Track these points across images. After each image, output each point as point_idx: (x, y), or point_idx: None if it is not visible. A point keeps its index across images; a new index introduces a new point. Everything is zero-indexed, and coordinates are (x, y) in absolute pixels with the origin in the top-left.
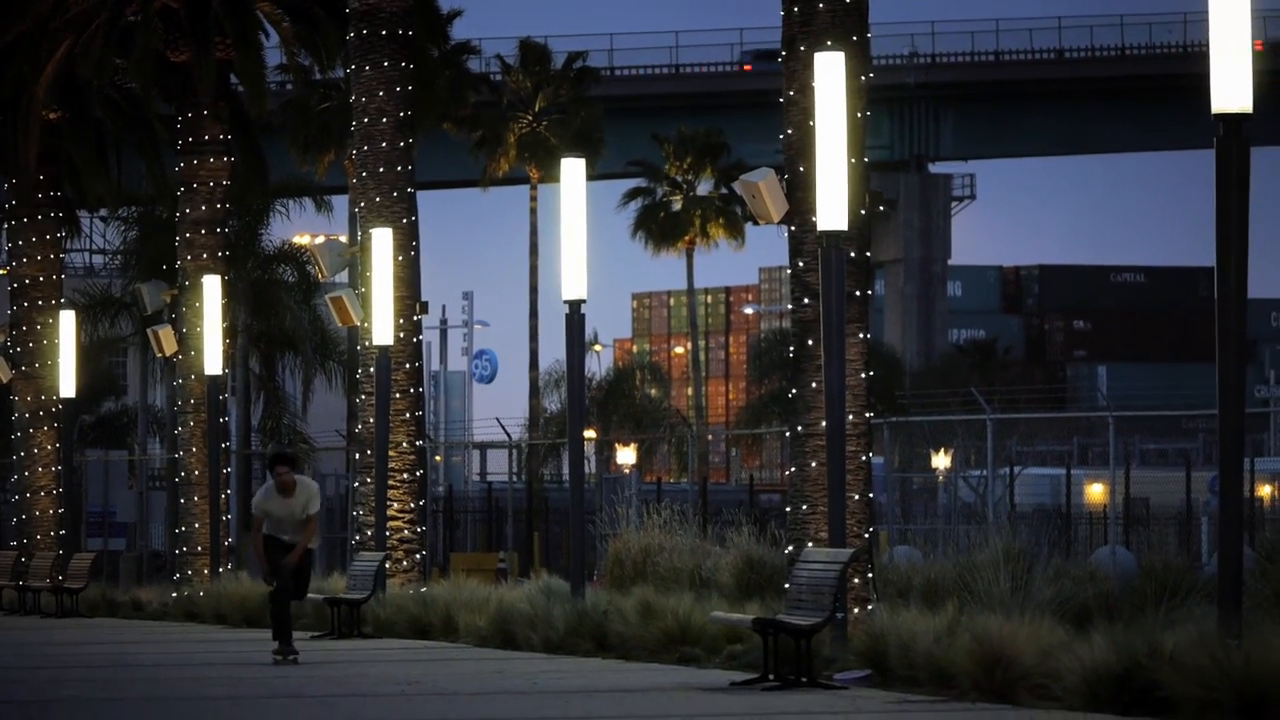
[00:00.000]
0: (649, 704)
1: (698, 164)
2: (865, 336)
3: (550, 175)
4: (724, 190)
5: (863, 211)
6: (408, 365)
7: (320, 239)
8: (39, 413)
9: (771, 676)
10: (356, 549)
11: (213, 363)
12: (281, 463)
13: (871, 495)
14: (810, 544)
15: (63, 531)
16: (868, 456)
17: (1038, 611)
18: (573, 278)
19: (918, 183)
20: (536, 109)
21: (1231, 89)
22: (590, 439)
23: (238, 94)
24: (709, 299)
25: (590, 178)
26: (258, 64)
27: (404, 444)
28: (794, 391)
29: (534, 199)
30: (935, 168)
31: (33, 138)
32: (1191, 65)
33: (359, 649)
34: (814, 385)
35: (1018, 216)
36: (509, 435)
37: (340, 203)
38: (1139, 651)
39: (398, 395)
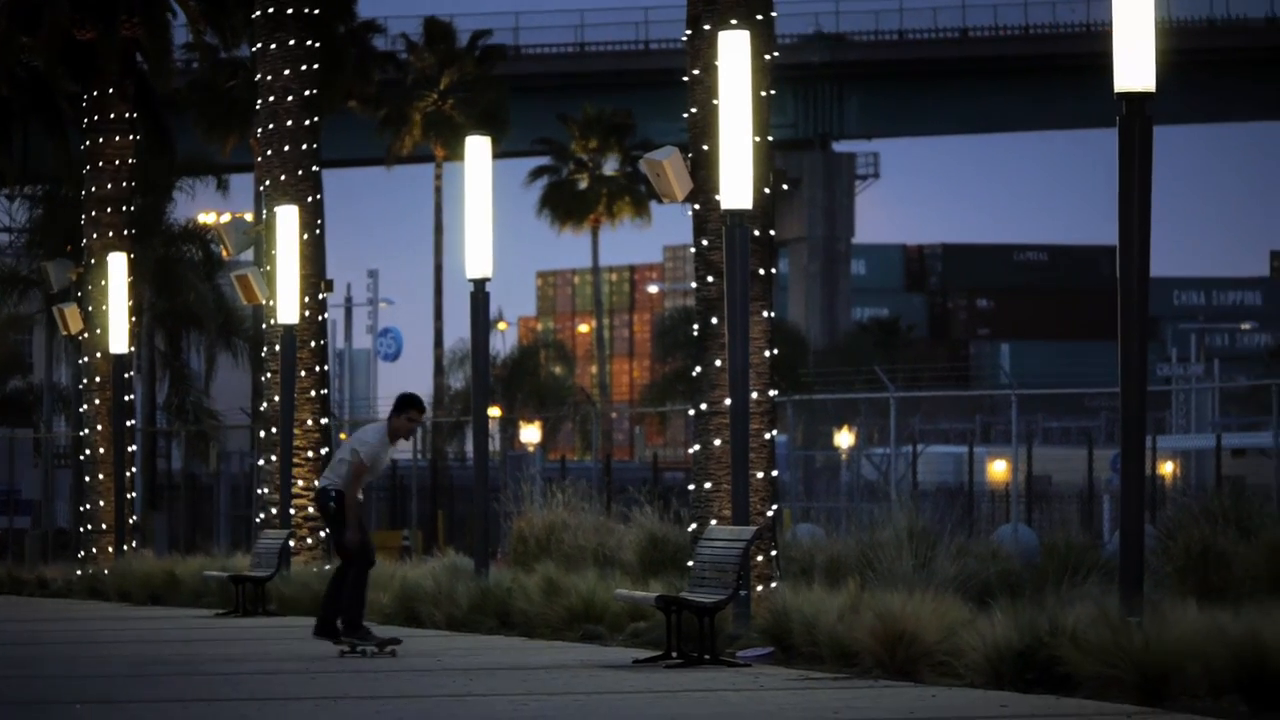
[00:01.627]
0: (553, 681)
1: (603, 143)
2: (769, 315)
3: (455, 154)
4: (629, 169)
5: (767, 190)
6: (312, 343)
7: (226, 217)
8: None
9: (675, 654)
10: (261, 527)
11: (118, 341)
12: (419, 407)
13: (775, 473)
14: (714, 522)
15: None
16: (771, 434)
17: (940, 589)
18: (477, 256)
19: (822, 161)
20: (442, 87)
21: (1135, 68)
22: (494, 417)
23: (144, 72)
24: (614, 277)
25: (495, 156)
26: (164, 42)
27: (309, 422)
28: (698, 370)
29: (439, 177)
30: (839, 146)
31: None
32: (1095, 44)
33: (263, 626)
34: (718, 363)
35: (921, 195)
36: None
37: (246, 181)
38: (1041, 629)
39: (302, 373)
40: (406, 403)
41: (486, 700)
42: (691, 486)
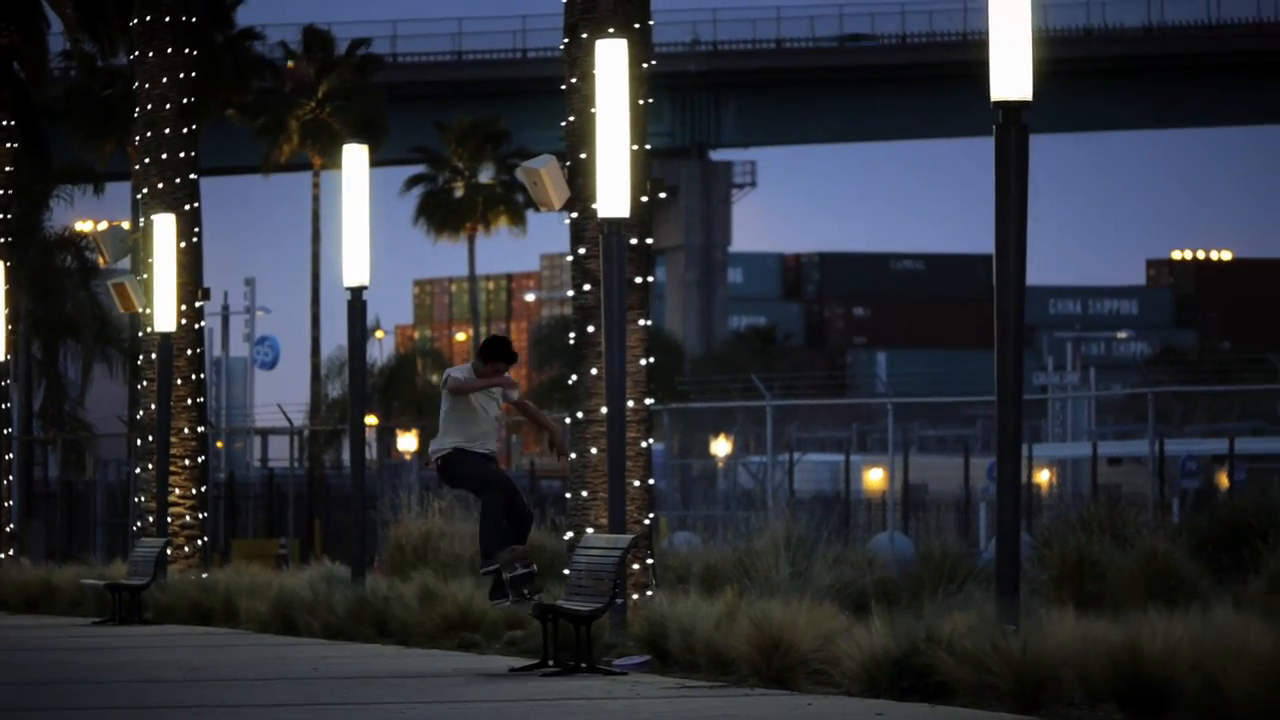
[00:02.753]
0: (430, 690)
1: (480, 151)
2: (646, 323)
3: (333, 162)
4: (506, 177)
5: (644, 198)
6: (189, 351)
7: (103, 225)
8: None
9: (551, 662)
10: (138, 535)
11: None
12: (506, 357)
13: (651, 481)
14: (590, 530)
15: None
16: (648, 443)
17: (817, 597)
18: (354, 264)
19: (699, 170)
20: (320, 96)
21: (1011, 77)
22: (371, 425)
23: (20, 80)
24: (491, 285)
25: (373, 164)
26: (40, 50)
27: (185, 430)
28: (575, 378)
29: (316, 185)
30: (716, 155)
31: None
32: (972, 53)
33: (140, 635)
34: (594, 371)
35: (798, 204)
36: (290, 421)
37: (123, 189)
38: (917, 637)
39: (179, 381)
40: (490, 351)
41: (364, 709)
42: (568, 494)
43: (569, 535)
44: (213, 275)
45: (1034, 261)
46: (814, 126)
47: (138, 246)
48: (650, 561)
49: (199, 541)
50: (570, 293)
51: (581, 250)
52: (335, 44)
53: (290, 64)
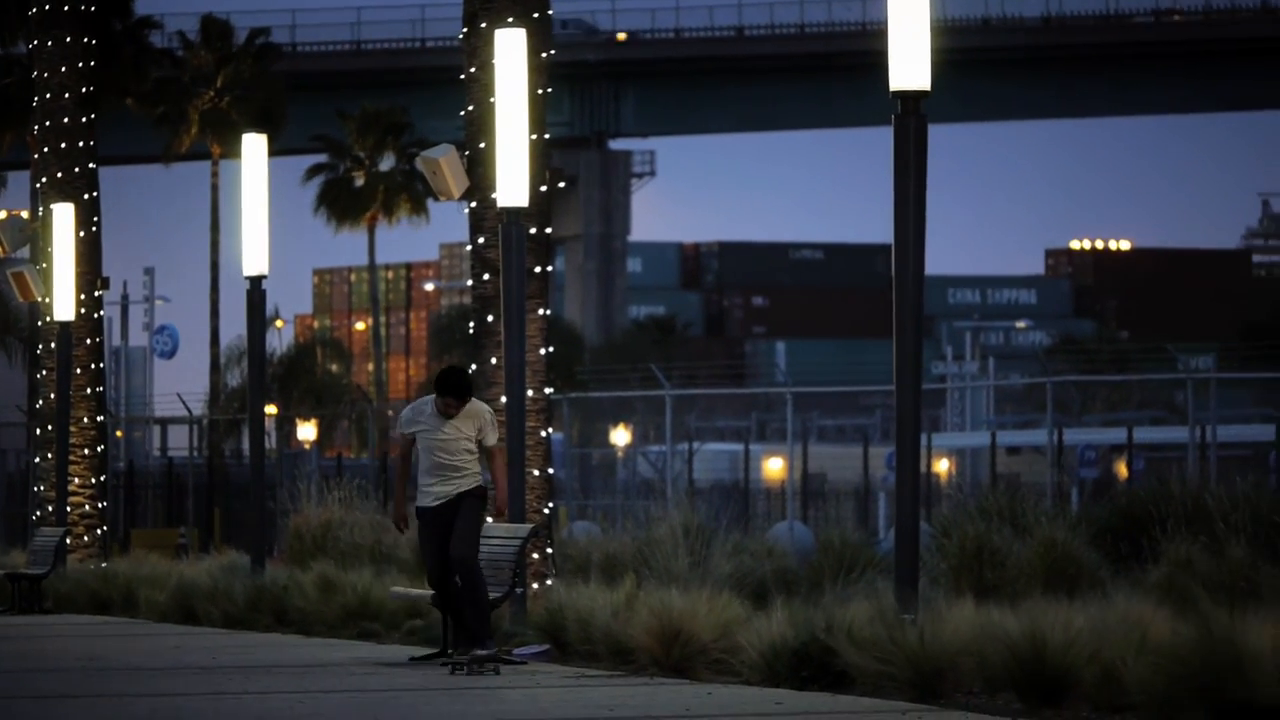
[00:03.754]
0: (329, 679)
1: (380, 140)
2: (545, 312)
3: (232, 151)
4: (406, 167)
5: (543, 188)
6: (88, 340)
7: (2, 215)
8: None
9: (451, 651)
10: (37, 524)
11: None
12: (454, 395)
13: (551, 471)
14: (490, 520)
15: None
16: (547, 432)
17: (716, 587)
18: (254, 254)
19: (598, 159)
20: (219, 85)
21: (910, 67)
22: (271, 414)
23: None
24: (390, 275)
25: (272, 153)
26: None
27: (85, 419)
28: (474, 367)
29: (216, 175)
30: (616, 144)
31: None
32: (871, 43)
33: (39, 624)
34: (494, 361)
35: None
36: (190, 411)
37: (23, 178)
38: (816, 627)
39: (78, 370)
40: (437, 384)
41: (263, 698)
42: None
43: None
44: (112, 264)
45: (933, 251)
46: (713, 116)
47: (37, 235)
48: (550, 551)
49: (98, 531)
50: (470, 282)
51: (481, 240)
52: (234, 33)
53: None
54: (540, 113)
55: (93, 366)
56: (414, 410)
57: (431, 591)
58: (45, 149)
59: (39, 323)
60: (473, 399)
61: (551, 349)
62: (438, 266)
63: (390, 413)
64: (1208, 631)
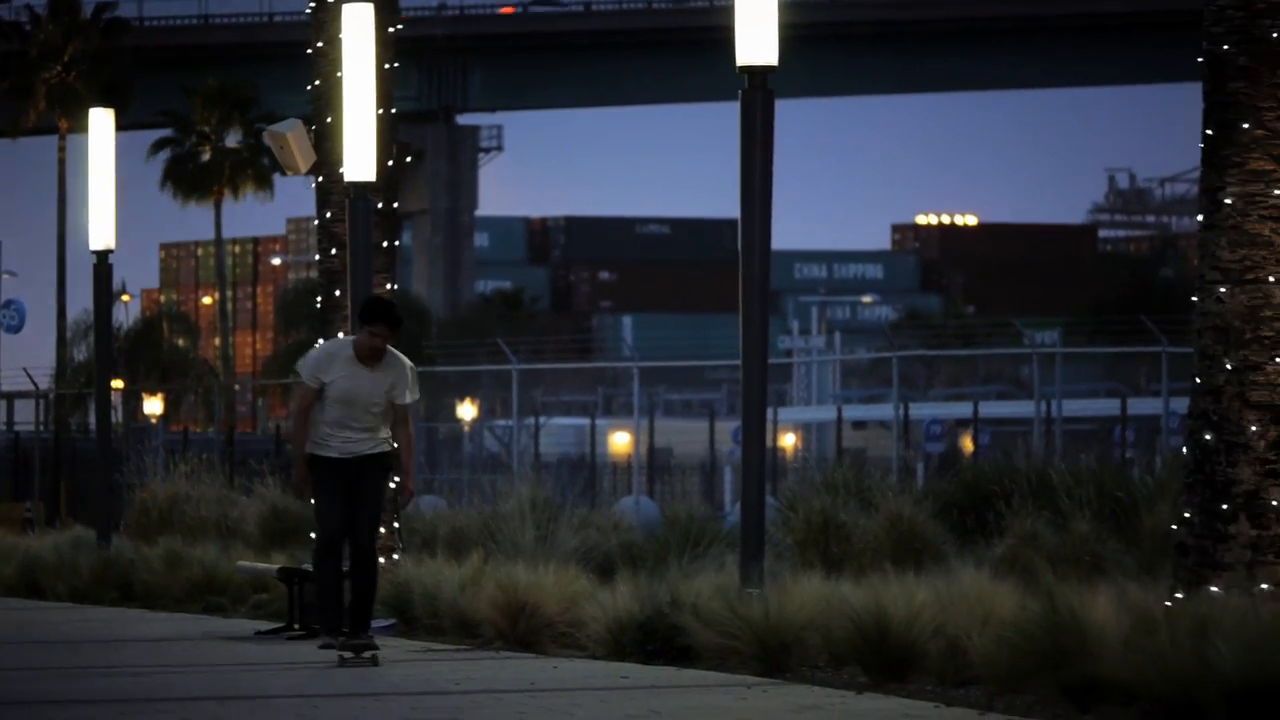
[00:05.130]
0: (176, 653)
1: (227, 115)
2: (392, 287)
3: (80, 126)
4: (253, 141)
5: (390, 163)
6: None
7: None
8: None
9: (296, 625)
10: None
11: None
12: (385, 322)
13: (396, 444)
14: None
15: None
16: None
17: (563, 561)
18: (100, 228)
19: (445, 134)
20: (66, 59)
21: (756, 42)
22: (117, 389)
23: None
24: (237, 250)
25: (119, 128)
26: None
27: None
28: (321, 342)
29: (63, 149)
30: (463, 119)
31: None
32: (718, 18)
33: None
34: (341, 335)
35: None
36: (36, 385)
37: None
38: (662, 601)
39: None
40: (365, 313)
41: (107, 673)
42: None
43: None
44: None
45: (779, 226)
46: (560, 91)
47: None
48: (396, 525)
49: None
50: (316, 257)
51: (327, 214)
52: (82, 7)
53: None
54: (387, 87)
55: None
56: (326, 354)
57: (276, 567)
58: None
59: None
60: (398, 354)
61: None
62: (285, 241)
63: (236, 387)
64: (1052, 606)
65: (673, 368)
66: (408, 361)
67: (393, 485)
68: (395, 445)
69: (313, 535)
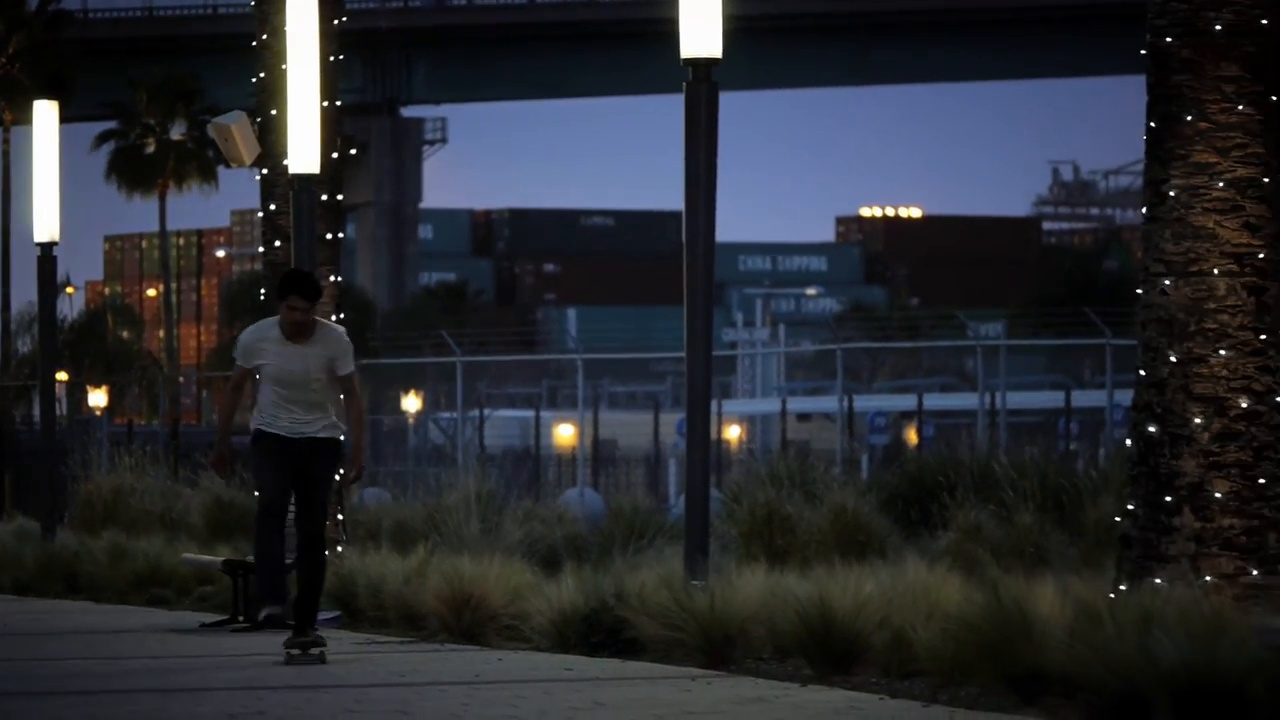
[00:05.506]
0: (120, 645)
1: (171, 107)
2: (337, 279)
3: (24, 118)
4: (197, 133)
5: (334, 155)
6: None
7: None
8: None
9: (241, 618)
10: None
11: None
12: (301, 293)
13: (342, 437)
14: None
15: None
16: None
17: (507, 553)
18: (45, 220)
19: (390, 127)
20: (10, 51)
21: (700, 35)
22: (62, 381)
23: None
24: (182, 242)
25: (64, 120)
26: None
27: None
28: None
29: (7, 141)
30: (407, 112)
31: None
32: (662, 10)
33: None
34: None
35: (490, 161)
36: None
37: None
38: (607, 593)
39: None
40: (280, 287)
41: (48, 665)
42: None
43: (259, 492)
44: None
45: (723, 218)
46: (505, 83)
47: None
48: (340, 517)
49: None
50: (260, 249)
51: (272, 206)
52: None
53: None
54: (332, 80)
55: None
56: (256, 335)
57: (221, 559)
58: None
59: None
60: (330, 324)
61: (343, 315)
62: (229, 233)
63: (181, 379)
64: (996, 598)
65: (617, 360)
66: (341, 331)
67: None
68: (346, 430)
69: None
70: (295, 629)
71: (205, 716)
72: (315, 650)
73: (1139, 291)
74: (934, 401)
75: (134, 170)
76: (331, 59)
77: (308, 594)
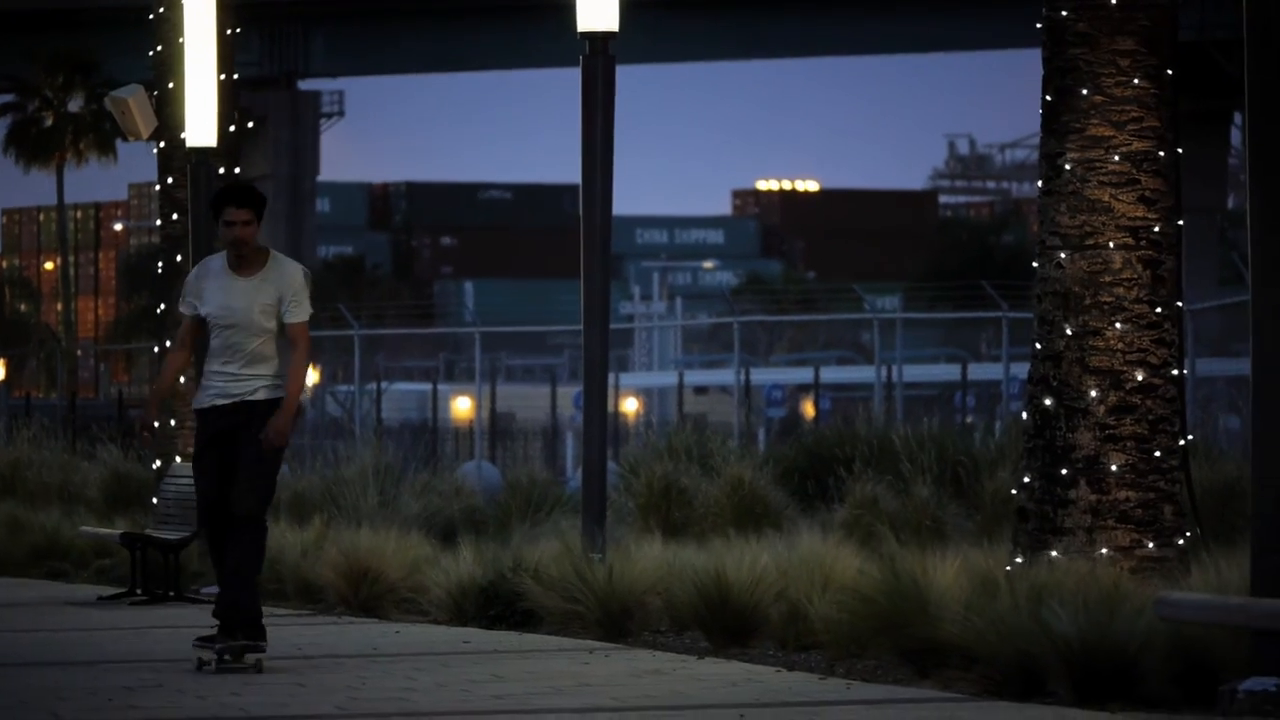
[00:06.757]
0: (18, 618)
1: (69, 80)
2: None
3: None
4: (95, 106)
5: (231, 128)
6: None
7: None
8: None
9: (139, 591)
10: None
11: None
12: (235, 201)
13: None
14: (178, 459)
15: None
16: None
17: (405, 526)
18: None
19: (287, 100)
20: None
21: (597, 8)
22: None
23: None
24: (79, 215)
25: None
26: None
27: None
28: (163, 307)
29: None
30: (305, 85)
31: None
32: None
33: None
34: None
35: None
36: None
37: None
38: (504, 566)
39: None
40: (215, 201)
41: None
42: (156, 423)
43: (157, 464)
44: None
45: (621, 192)
46: (403, 56)
47: None
48: None
49: None
50: (158, 222)
51: (169, 179)
52: None
53: None
54: (229, 53)
55: None
56: (197, 272)
57: (119, 532)
58: None
59: None
60: (285, 259)
61: None
62: (127, 206)
63: (79, 353)
64: (893, 570)
65: (514, 333)
66: (299, 267)
67: None
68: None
69: (154, 500)
70: (221, 625)
71: (103, 689)
72: (251, 658)
73: (1035, 265)
74: (831, 374)
75: (31, 143)
76: (229, 32)
77: (234, 583)
